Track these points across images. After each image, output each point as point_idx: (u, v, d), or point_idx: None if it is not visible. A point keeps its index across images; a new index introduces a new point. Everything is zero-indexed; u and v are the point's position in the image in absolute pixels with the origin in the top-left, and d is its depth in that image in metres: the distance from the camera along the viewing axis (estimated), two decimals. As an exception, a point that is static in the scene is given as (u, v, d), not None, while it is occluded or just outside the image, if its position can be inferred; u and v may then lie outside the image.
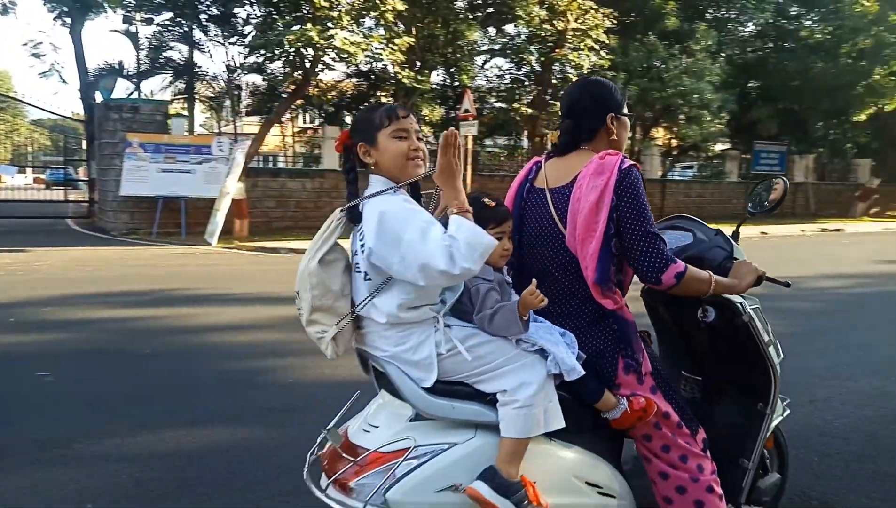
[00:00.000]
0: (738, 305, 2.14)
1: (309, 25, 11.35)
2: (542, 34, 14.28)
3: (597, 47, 14.44)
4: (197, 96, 19.48)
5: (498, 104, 16.77)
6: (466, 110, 14.06)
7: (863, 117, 19.03)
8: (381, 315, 1.72)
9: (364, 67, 16.18)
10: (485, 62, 18.00)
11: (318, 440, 1.88)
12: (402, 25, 13.68)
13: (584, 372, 1.78)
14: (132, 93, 18.01)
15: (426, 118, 14.43)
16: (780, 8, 20.43)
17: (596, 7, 14.26)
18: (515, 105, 15.06)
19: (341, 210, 1.80)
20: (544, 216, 1.97)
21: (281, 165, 19.69)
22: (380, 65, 15.42)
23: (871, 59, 18.10)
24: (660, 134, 21.71)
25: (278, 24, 12.24)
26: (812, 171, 24.57)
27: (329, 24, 11.63)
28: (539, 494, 1.71)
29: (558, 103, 14.61)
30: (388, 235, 1.62)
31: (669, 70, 15.00)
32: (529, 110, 14.84)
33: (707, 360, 2.31)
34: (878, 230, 19.37)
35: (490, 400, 1.74)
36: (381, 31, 13.43)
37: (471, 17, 14.03)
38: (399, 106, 1.81)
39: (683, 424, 1.98)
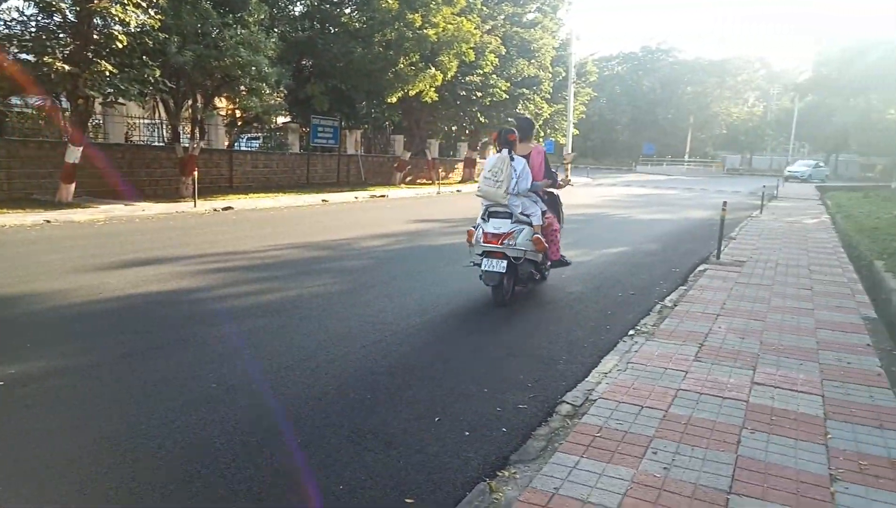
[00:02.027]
0: (555, 191, 7.28)
1: None
2: (76, -20, 12.30)
3: (143, 4, 13.17)
4: None
5: (23, 56, 13.86)
6: (-24, 60, 11.24)
7: (394, 100, 22.11)
8: (518, 188, 6.48)
9: None
10: None
11: (475, 259, 6.60)
12: None
13: (546, 209, 6.96)
14: None
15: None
16: (324, -8, 22.05)
17: (138, -41, 12.93)
18: (48, 59, 12.67)
19: (508, 153, 6.47)
20: (524, 169, 6.56)
21: None
22: None
23: (396, 49, 21.09)
24: (224, 104, 21.29)
25: None
26: (361, 144, 27.63)
27: None
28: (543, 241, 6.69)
29: (104, 62, 12.80)
30: (522, 171, 6.51)
31: (226, 39, 14.72)
32: (68, 67, 12.69)
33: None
34: (412, 195, 23.06)
35: (530, 215, 6.60)
36: None
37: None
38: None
39: (556, 222, 7.15)
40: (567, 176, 8.05)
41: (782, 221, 16.42)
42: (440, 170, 27.93)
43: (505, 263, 6.35)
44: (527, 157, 6.76)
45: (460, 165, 34.04)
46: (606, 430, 3.56)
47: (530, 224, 6.61)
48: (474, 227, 6.67)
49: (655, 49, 70.55)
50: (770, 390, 4.24)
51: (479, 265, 6.48)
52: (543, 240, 6.63)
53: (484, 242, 6.44)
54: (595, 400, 3.99)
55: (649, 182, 38.59)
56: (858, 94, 26.94)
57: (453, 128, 32.11)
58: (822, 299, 7.05)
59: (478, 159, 35.35)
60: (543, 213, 6.82)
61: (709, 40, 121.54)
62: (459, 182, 31.82)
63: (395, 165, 27.43)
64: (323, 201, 18.53)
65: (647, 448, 3.35)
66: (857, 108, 37.69)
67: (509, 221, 6.48)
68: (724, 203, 10.24)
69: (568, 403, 3.99)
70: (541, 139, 37.28)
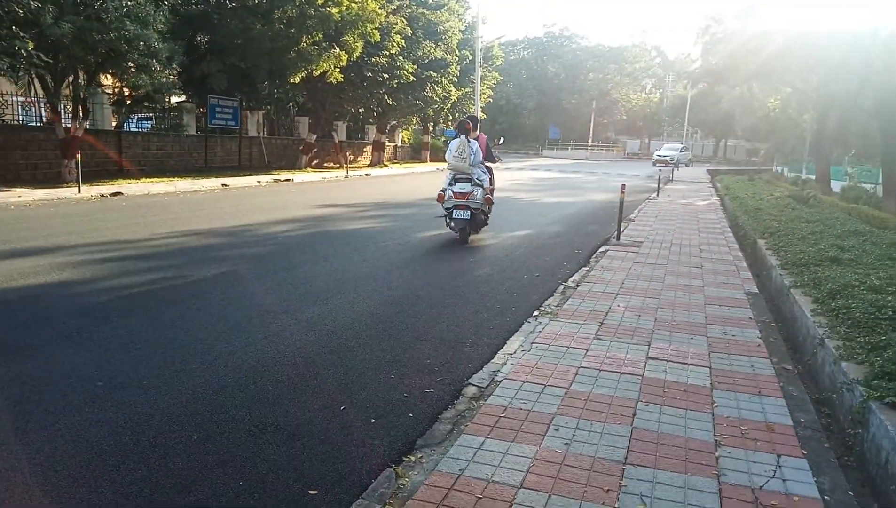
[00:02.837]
0: (492, 165, 10.50)
1: None
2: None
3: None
4: None
5: None
6: None
7: (297, 80, 21.44)
8: (475, 162, 9.66)
9: None
10: None
11: (444, 211, 9.73)
12: None
13: (490, 176, 10.20)
14: None
15: None
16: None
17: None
18: None
19: (465, 138, 9.58)
20: (477, 148, 9.81)
21: None
22: None
23: (298, 27, 20.43)
24: (110, 82, 19.88)
25: None
26: (263, 126, 26.68)
27: None
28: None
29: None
30: (476, 150, 9.70)
31: (109, 11, 13.69)
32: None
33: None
34: (319, 179, 22.58)
35: (482, 181, 9.75)
36: None
37: None
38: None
39: (492, 186, 10.39)
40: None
41: (677, 203, 17.41)
42: (348, 153, 27.47)
43: (468, 213, 9.44)
44: (476, 139, 9.92)
45: (369, 149, 33.67)
46: (511, 410, 3.65)
47: (482, 187, 9.65)
48: (443, 191, 9.61)
49: (559, 35, 72.51)
50: (663, 364, 4.49)
51: (448, 217, 9.69)
52: (491, 197, 10.00)
53: (455, 199, 9.49)
54: (500, 381, 4.07)
55: (555, 166, 39.80)
56: (742, 83, 28.92)
57: (360, 110, 31.67)
58: (711, 277, 7.54)
59: (387, 143, 35.05)
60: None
61: (613, 22, 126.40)
62: (368, 166, 31.48)
63: (301, 147, 26.75)
64: (223, 185, 17.80)
65: (549, 426, 3.47)
66: (742, 96, 40.42)
67: (469, 184, 9.55)
68: (623, 186, 10.70)
69: (474, 385, 4.05)
70: (449, 123, 37.66)
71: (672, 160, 44.37)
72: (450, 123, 38.30)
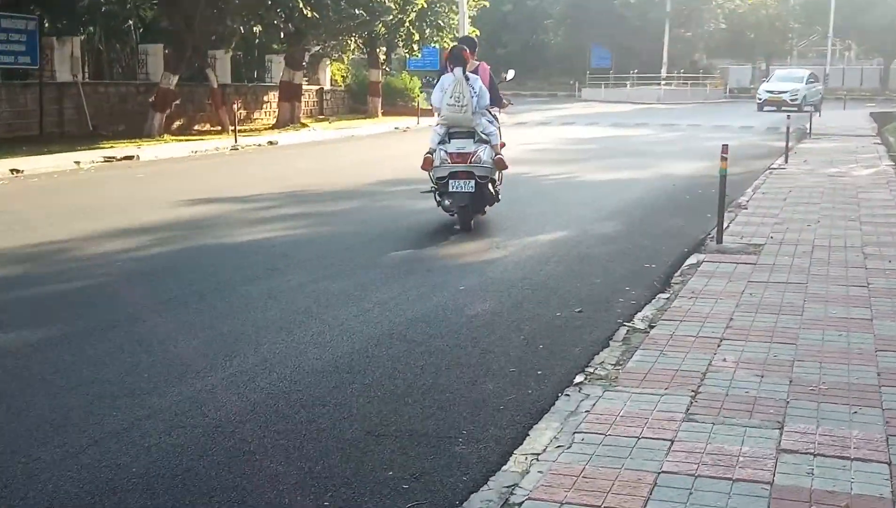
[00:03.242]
0: (498, 111, 13.12)
1: None
2: None
3: None
4: None
5: None
6: None
7: (142, -21, 21.49)
8: (480, 107, 11.64)
9: None
10: None
11: (434, 184, 11.62)
12: None
13: (498, 126, 12.82)
14: None
15: None
16: None
17: None
18: None
19: (462, 73, 11.39)
20: (481, 87, 12.21)
21: None
22: None
23: None
24: None
25: None
26: (84, 64, 26.62)
27: None
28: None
29: None
30: (480, 89, 11.73)
31: None
32: None
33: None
34: (184, 154, 22.57)
35: (490, 135, 11.85)
36: None
37: None
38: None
39: (502, 140, 12.93)
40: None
41: (820, 173, 17.64)
42: (236, 106, 27.46)
43: (473, 183, 10.84)
44: (474, 73, 11.48)
45: (273, 97, 33.75)
46: (540, 555, 3.63)
47: (489, 144, 11.21)
48: (430, 152, 11.06)
49: None
50: (806, 460, 4.49)
51: (440, 192, 11.17)
52: (503, 159, 11.48)
53: (451, 162, 10.85)
54: (520, 504, 4.05)
55: (603, 116, 40.19)
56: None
57: (257, 30, 31.68)
58: (886, 302, 7.61)
59: (304, 86, 35.05)
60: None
61: None
62: (273, 128, 31.49)
63: (152, 99, 26.69)
64: (13, 171, 17.78)
65: (609, 581, 3.45)
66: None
67: (472, 140, 11.11)
68: (725, 149, 10.72)
69: (473, 513, 4.03)
70: (415, 46, 37.86)
71: (793, 98, 43.75)
72: (414, 50, 38.57)
